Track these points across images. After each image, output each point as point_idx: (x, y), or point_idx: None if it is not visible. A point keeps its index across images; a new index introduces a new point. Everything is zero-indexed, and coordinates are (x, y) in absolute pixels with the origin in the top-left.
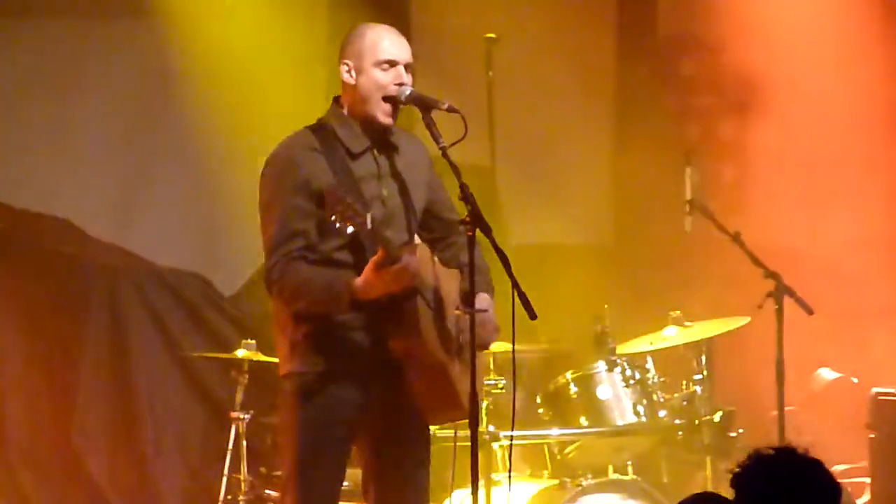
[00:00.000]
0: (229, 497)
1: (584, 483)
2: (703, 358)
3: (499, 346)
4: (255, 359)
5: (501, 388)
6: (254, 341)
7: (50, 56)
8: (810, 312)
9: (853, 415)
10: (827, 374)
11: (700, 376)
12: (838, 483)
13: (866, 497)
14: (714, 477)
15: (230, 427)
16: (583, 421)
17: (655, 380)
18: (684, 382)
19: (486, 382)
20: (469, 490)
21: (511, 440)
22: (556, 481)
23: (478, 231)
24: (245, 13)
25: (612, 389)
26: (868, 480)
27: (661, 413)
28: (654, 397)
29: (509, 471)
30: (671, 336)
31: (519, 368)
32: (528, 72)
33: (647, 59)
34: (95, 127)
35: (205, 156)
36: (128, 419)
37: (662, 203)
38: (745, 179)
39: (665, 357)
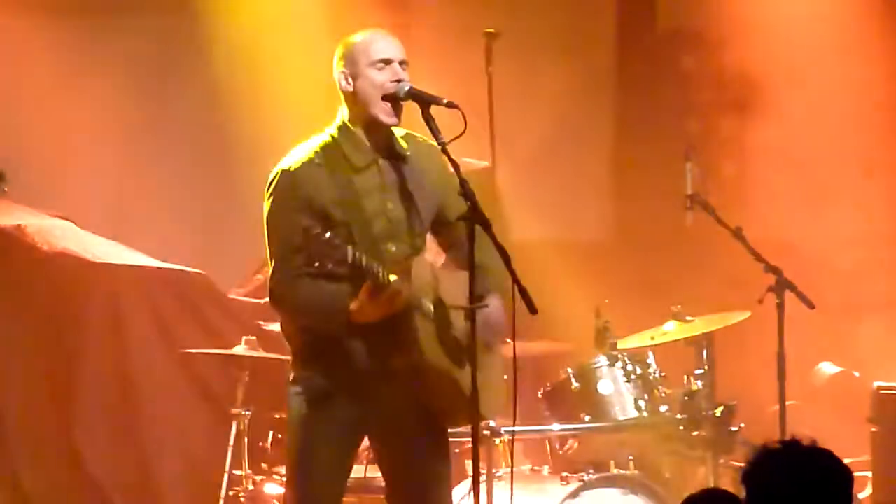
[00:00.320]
0: (231, 494)
1: (586, 478)
2: (705, 353)
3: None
4: (255, 355)
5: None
6: (254, 338)
7: (48, 54)
8: (811, 307)
9: (854, 409)
10: (828, 368)
11: (701, 371)
12: (848, 469)
13: (868, 491)
14: (715, 472)
15: (231, 424)
16: (584, 416)
17: (657, 374)
18: (685, 377)
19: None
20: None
21: (513, 435)
22: (558, 476)
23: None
24: (247, 13)
25: (614, 384)
26: (870, 474)
27: (663, 408)
28: (656, 392)
29: (511, 466)
30: (672, 331)
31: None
32: (528, 67)
33: (646, 55)
34: (96, 125)
35: (206, 154)
36: (129, 417)
37: (663, 198)
38: (745, 174)
39: (666, 352)
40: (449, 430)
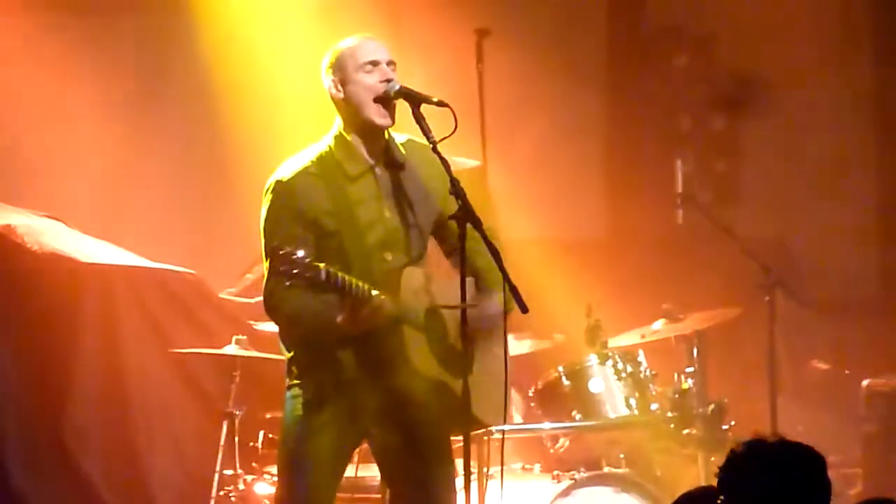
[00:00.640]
0: (222, 493)
1: (577, 476)
2: (695, 350)
3: None
4: (246, 355)
5: None
6: (245, 337)
7: (42, 53)
8: (802, 304)
9: (845, 407)
10: (819, 365)
11: (692, 369)
12: (820, 455)
13: (858, 487)
14: (706, 469)
15: (222, 423)
16: (575, 414)
17: (647, 373)
18: (676, 375)
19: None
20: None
21: (503, 434)
22: (549, 474)
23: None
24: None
25: (605, 382)
26: (860, 471)
27: (654, 406)
28: (647, 390)
29: (501, 464)
30: (663, 329)
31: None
32: (519, 65)
33: (637, 52)
34: (88, 125)
35: (198, 154)
36: (121, 416)
37: (654, 196)
38: (736, 172)
39: (657, 350)
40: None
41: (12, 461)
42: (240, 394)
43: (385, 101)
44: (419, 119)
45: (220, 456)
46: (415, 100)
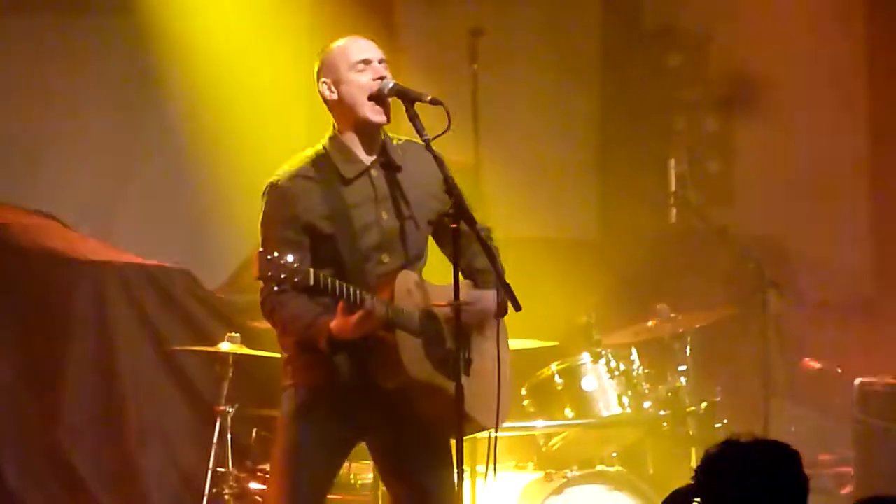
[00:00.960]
0: (214, 490)
1: (570, 475)
2: (688, 349)
3: None
4: (239, 352)
5: None
6: (238, 335)
7: (34, 52)
8: (794, 304)
9: (838, 405)
10: (811, 364)
11: (685, 367)
12: (795, 452)
13: (850, 487)
14: None
15: (215, 421)
16: (568, 412)
17: (640, 371)
18: (669, 374)
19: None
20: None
21: (496, 432)
22: (542, 473)
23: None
24: (232, 13)
25: (598, 381)
26: (852, 470)
27: (647, 404)
28: (640, 389)
29: (493, 462)
30: (656, 327)
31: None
32: (512, 64)
33: (632, 52)
34: (79, 122)
35: (190, 151)
36: (113, 414)
37: (648, 196)
38: (730, 172)
39: (650, 348)
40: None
41: (6, 460)
42: (232, 391)
43: (380, 98)
44: (413, 117)
45: (212, 453)
46: (408, 98)
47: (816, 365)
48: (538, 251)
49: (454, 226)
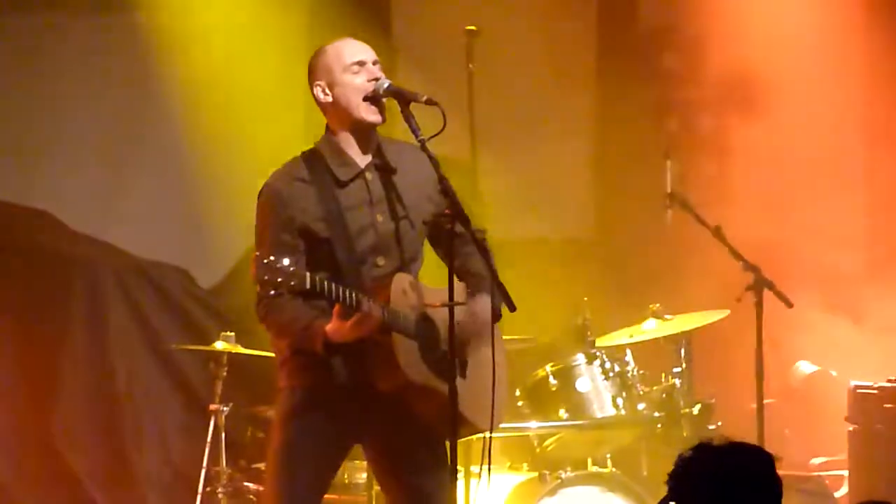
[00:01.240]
0: (208, 489)
1: (564, 476)
2: (683, 351)
3: None
4: (234, 351)
5: None
6: (232, 333)
7: (32, 49)
8: (790, 305)
9: (832, 408)
10: (806, 367)
11: (679, 369)
12: (768, 454)
13: (844, 490)
14: None
15: (209, 419)
16: (562, 413)
17: (635, 372)
18: (664, 375)
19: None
20: None
21: (490, 432)
22: (536, 474)
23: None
24: (230, 13)
25: (592, 382)
26: (846, 473)
27: (641, 406)
28: (634, 390)
29: (488, 463)
30: (651, 329)
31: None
32: (508, 65)
33: (627, 53)
34: (77, 120)
35: (187, 149)
36: (107, 412)
37: (643, 196)
38: (725, 173)
39: (645, 350)
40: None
41: (1, 458)
42: (227, 390)
43: (375, 99)
44: (408, 117)
45: (206, 452)
46: (404, 98)
47: (811, 367)
48: (533, 251)
49: (449, 227)
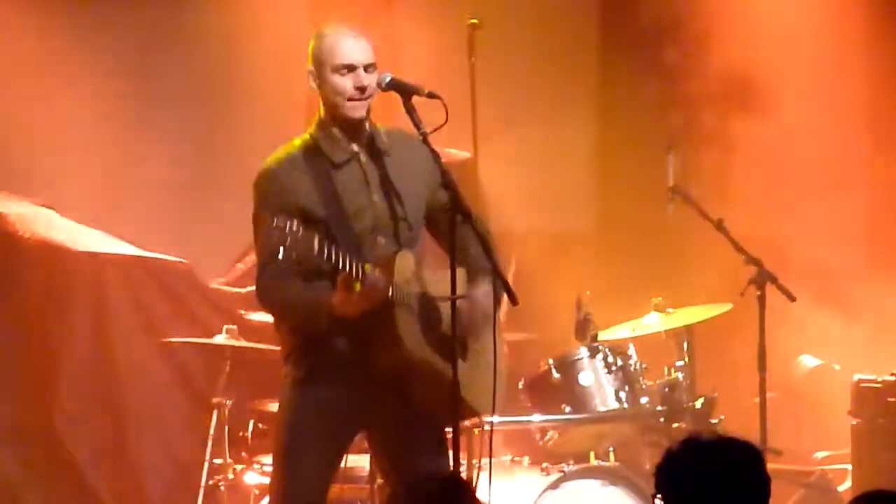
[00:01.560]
0: (211, 482)
1: (566, 469)
2: (685, 344)
3: None
4: (236, 345)
5: None
6: (235, 327)
7: (32, 41)
8: (792, 299)
9: (835, 402)
10: (809, 360)
11: (682, 363)
12: (756, 449)
13: (848, 484)
14: None
15: (212, 413)
16: (565, 407)
17: (637, 366)
18: (666, 369)
19: None
20: None
21: (492, 426)
22: (538, 467)
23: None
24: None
25: (594, 376)
26: (850, 467)
27: (643, 399)
28: (637, 384)
29: (489, 456)
30: (653, 323)
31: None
32: (510, 59)
33: (629, 46)
34: (80, 114)
35: (190, 143)
36: (110, 405)
37: (645, 190)
38: (727, 167)
39: (647, 344)
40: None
41: (2, 449)
42: (229, 383)
43: (361, 99)
44: (410, 111)
45: (209, 445)
46: (405, 91)
47: (813, 361)
48: (536, 245)
49: (452, 219)
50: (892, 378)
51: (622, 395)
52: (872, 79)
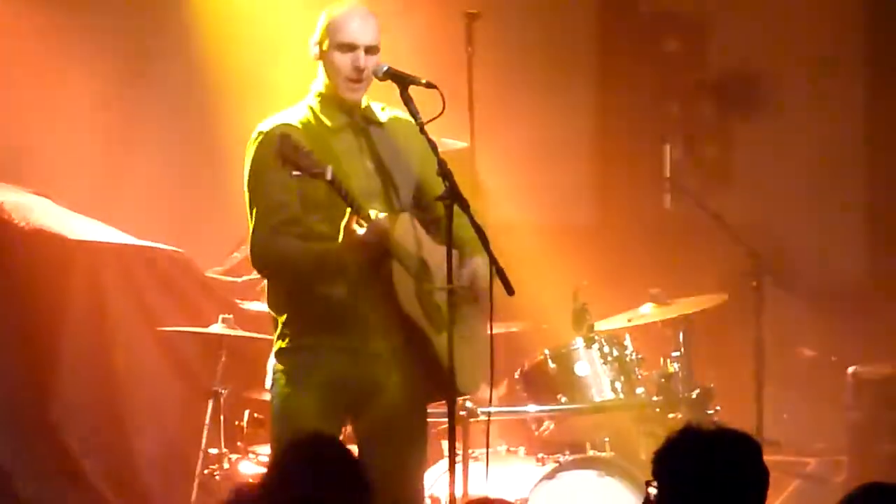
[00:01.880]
0: (206, 472)
1: (562, 459)
2: (682, 335)
3: None
4: (232, 334)
5: None
6: (231, 316)
7: (31, 30)
8: (789, 290)
9: (831, 394)
10: (805, 352)
11: (678, 353)
12: (755, 441)
13: (844, 475)
14: None
15: (208, 402)
16: (561, 397)
17: (634, 357)
18: (662, 359)
19: None
20: (446, 464)
21: (489, 416)
22: (534, 457)
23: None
24: None
25: (591, 366)
26: (845, 459)
27: (639, 390)
28: (633, 374)
29: (486, 447)
30: (650, 313)
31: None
32: (509, 48)
33: (628, 36)
34: (76, 104)
35: (187, 131)
36: (106, 394)
37: (643, 181)
38: (725, 158)
39: (643, 334)
40: (427, 410)
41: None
42: (225, 373)
43: (357, 80)
44: (407, 101)
45: (205, 434)
46: (403, 81)
47: (810, 353)
48: (532, 235)
49: (449, 209)
50: (889, 370)
51: (618, 385)
52: (872, 65)
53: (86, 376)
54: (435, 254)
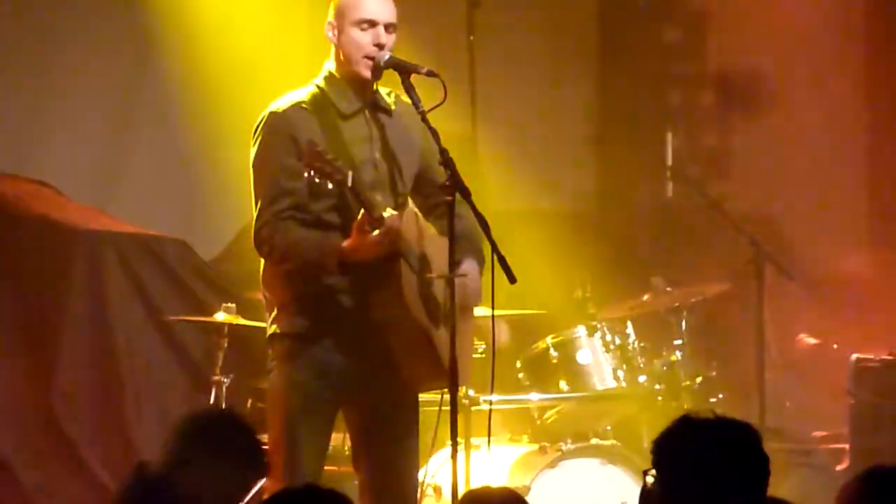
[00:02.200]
0: None
1: (564, 448)
2: (684, 323)
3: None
4: (234, 322)
5: (482, 353)
6: (233, 305)
7: (32, 19)
8: (791, 278)
9: (833, 381)
10: (807, 339)
11: (680, 342)
12: (754, 429)
13: (846, 463)
14: None
15: (210, 391)
16: (563, 386)
17: (636, 345)
18: (664, 348)
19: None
20: (448, 453)
21: (490, 404)
22: (536, 446)
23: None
24: None
25: (593, 354)
26: (847, 446)
27: (642, 378)
28: (635, 362)
29: (488, 435)
30: (652, 301)
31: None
32: (510, 36)
33: (629, 25)
34: (77, 91)
35: (187, 120)
36: (108, 384)
37: (645, 169)
38: (726, 146)
39: (646, 322)
40: (427, 398)
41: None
42: (227, 361)
43: (375, 60)
44: (409, 89)
45: None
46: (404, 70)
47: (812, 340)
48: (534, 223)
49: (449, 198)
50: (891, 357)
51: (620, 373)
52: (873, 55)
53: (88, 365)
54: (434, 244)
